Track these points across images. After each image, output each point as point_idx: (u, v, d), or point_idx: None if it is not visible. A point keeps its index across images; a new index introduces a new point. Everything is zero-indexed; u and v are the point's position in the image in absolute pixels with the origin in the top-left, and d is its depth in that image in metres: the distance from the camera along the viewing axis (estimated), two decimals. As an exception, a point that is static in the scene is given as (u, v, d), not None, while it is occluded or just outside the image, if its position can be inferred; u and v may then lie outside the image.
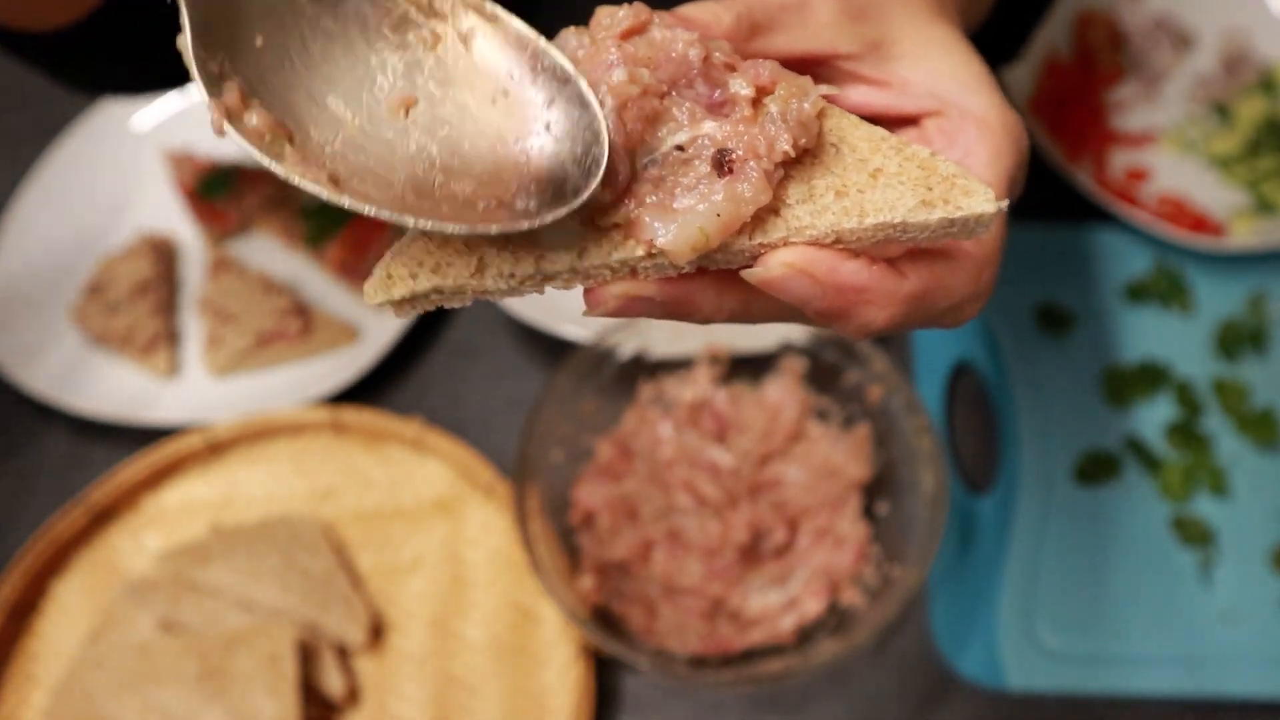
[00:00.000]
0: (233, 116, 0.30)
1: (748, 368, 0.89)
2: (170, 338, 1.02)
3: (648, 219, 0.34)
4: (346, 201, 0.30)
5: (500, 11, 0.35)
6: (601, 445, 0.86)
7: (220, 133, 0.30)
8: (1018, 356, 0.97)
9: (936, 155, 0.37)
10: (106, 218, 1.10)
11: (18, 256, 1.06)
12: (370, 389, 0.98)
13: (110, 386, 0.98)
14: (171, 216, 1.10)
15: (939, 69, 0.43)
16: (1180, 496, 0.90)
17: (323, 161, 0.31)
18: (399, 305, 0.35)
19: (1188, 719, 0.81)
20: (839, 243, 0.36)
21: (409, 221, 0.31)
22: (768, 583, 0.81)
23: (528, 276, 0.35)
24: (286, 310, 1.00)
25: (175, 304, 1.06)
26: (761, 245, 0.36)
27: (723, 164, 0.35)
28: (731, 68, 0.36)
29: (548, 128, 0.34)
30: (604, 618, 0.79)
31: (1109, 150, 1.09)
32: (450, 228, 0.31)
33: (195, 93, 0.30)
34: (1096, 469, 0.91)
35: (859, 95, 0.44)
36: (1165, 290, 1.00)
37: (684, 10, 0.40)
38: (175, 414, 0.95)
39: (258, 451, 0.93)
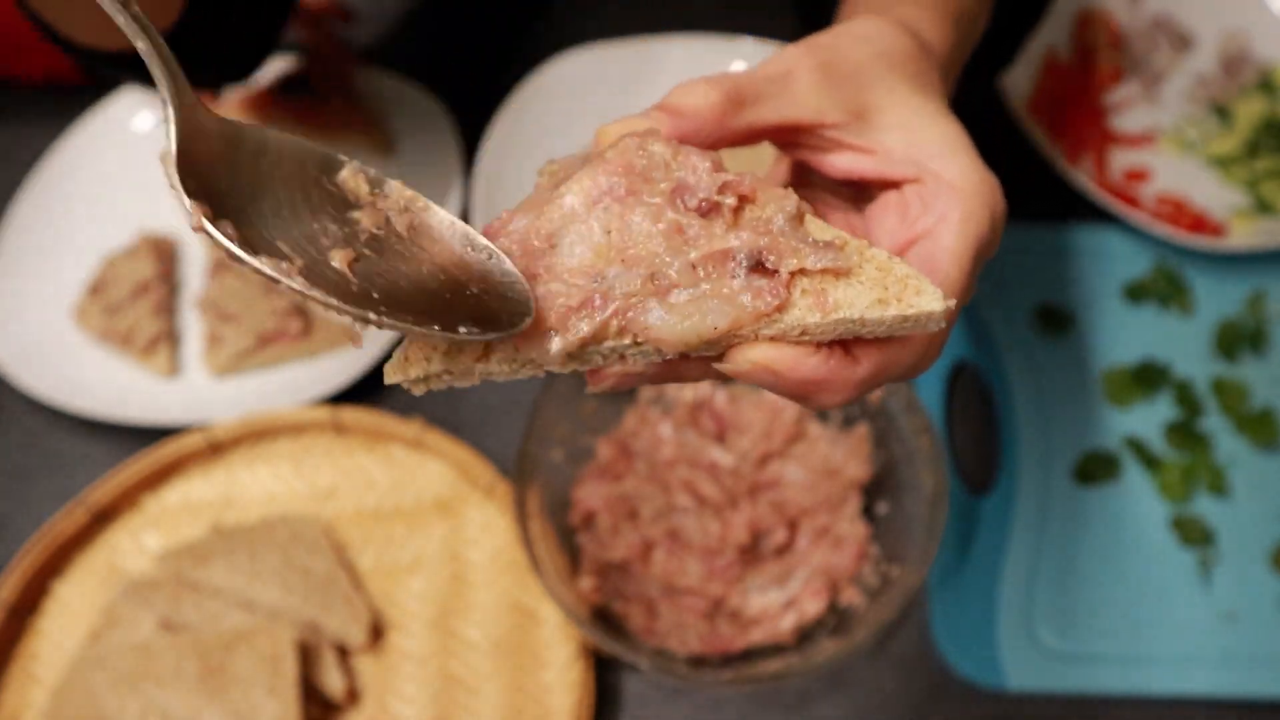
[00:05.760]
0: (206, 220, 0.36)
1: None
2: (171, 338, 1.02)
3: (638, 319, 0.39)
4: (298, 284, 0.35)
5: (433, 205, 0.41)
6: (601, 445, 0.86)
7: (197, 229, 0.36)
8: (1017, 356, 0.97)
9: (894, 258, 0.41)
10: (107, 218, 1.10)
11: (18, 256, 1.06)
12: (371, 389, 0.98)
13: (111, 386, 0.98)
14: (172, 216, 1.10)
15: (918, 137, 0.46)
16: (1180, 496, 0.90)
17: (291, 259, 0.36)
18: (415, 384, 0.40)
19: (1188, 719, 0.81)
20: (804, 334, 0.40)
21: (368, 317, 0.35)
22: (768, 583, 0.81)
23: (529, 361, 0.40)
24: (286, 310, 1.00)
25: (176, 304, 1.06)
26: (736, 338, 0.40)
27: (702, 273, 0.40)
28: (724, 188, 0.41)
29: (479, 290, 0.39)
30: (604, 618, 0.79)
31: (1109, 150, 1.09)
32: (401, 328, 0.36)
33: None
34: (1096, 469, 0.91)
35: (844, 162, 0.47)
36: (1165, 290, 1.00)
37: (672, 101, 0.43)
38: (176, 414, 0.95)
39: (258, 451, 0.93)
